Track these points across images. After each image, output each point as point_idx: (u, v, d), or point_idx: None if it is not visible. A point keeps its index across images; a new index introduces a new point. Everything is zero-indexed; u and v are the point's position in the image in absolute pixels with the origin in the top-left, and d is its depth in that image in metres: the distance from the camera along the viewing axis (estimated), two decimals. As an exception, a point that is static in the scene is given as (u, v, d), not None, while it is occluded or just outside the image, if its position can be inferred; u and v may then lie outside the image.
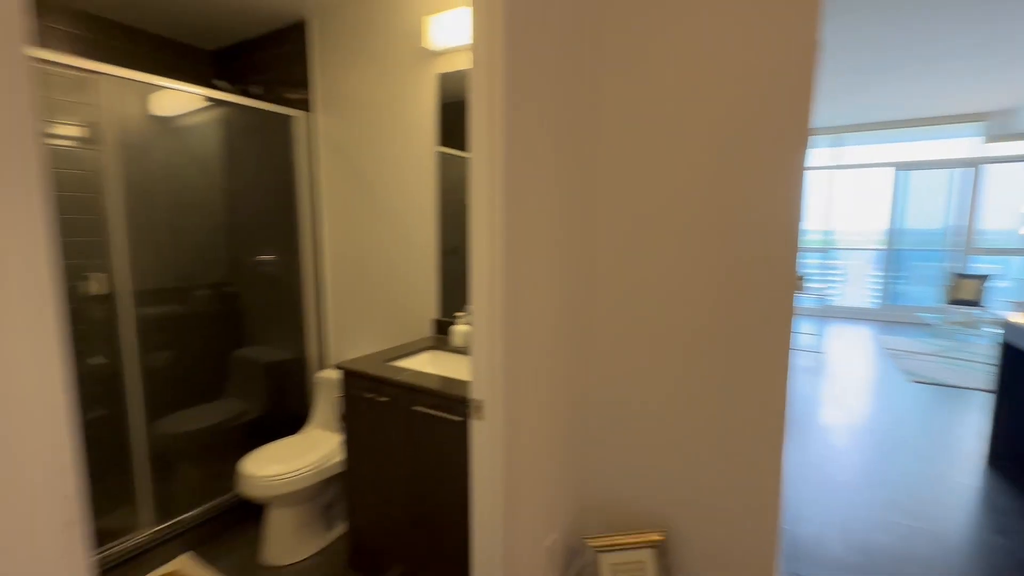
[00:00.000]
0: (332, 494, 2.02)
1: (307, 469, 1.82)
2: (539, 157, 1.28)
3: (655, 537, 1.51)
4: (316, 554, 1.90)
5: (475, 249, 1.18)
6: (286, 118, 2.27)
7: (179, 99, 2.08)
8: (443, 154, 1.92)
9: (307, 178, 2.34)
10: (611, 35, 1.46)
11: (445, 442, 1.42)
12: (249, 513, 2.09)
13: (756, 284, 1.33)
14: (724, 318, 1.38)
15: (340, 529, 2.02)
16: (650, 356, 1.51)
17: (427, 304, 2.04)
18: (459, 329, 1.83)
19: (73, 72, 1.65)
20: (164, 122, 2.05)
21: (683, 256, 1.43)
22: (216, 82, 2.35)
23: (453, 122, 1.87)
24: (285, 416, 2.39)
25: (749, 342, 1.35)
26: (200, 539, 1.98)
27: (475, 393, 1.23)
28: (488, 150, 1.13)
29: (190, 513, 2.00)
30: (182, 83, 1.92)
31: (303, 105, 2.30)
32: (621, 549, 1.51)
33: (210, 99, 2.07)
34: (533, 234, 1.28)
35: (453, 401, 1.38)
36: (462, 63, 1.80)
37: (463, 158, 1.83)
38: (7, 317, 0.47)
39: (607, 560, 1.51)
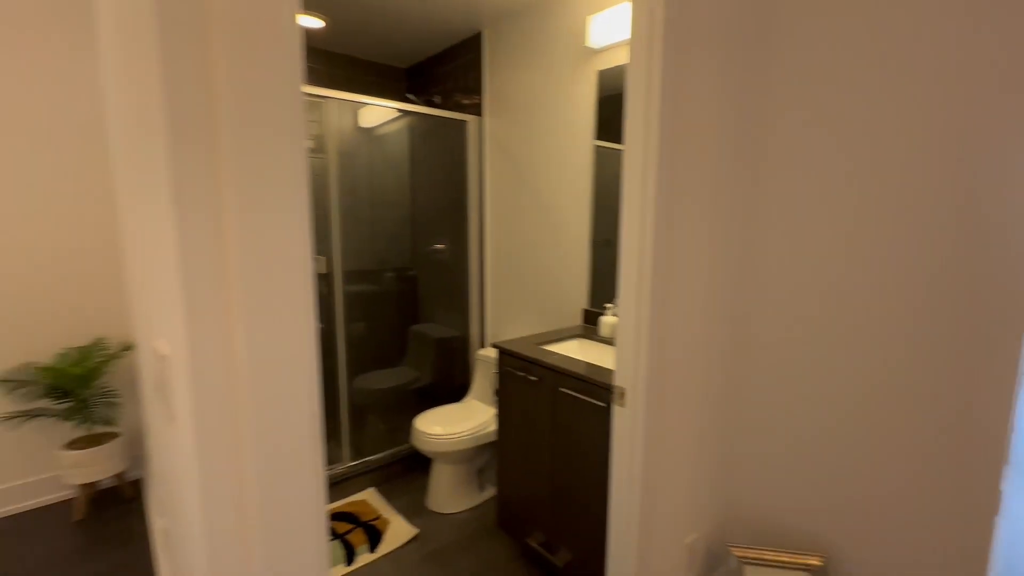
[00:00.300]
0: (485, 459, 2.27)
1: (465, 434, 2.06)
2: (696, 149, 1.25)
3: (813, 561, 1.37)
4: (470, 509, 2.15)
5: (625, 243, 1.22)
6: (461, 123, 2.55)
7: (379, 112, 2.50)
8: (599, 148, 1.97)
9: (476, 176, 2.60)
10: (786, 18, 1.34)
11: (587, 425, 1.50)
12: (421, 463, 2.46)
13: (977, 288, 1.11)
14: (930, 326, 1.19)
15: (491, 491, 2.24)
16: (823, 368, 1.37)
17: (578, 294, 2.13)
18: (607, 320, 1.88)
19: (310, 98, 2.12)
20: (367, 132, 2.49)
21: (872, 257, 1.26)
22: (408, 95, 2.75)
23: (610, 116, 1.91)
24: (450, 386, 2.73)
25: (960, 358, 1.14)
26: (382, 479, 2.39)
27: (618, 380, 1.27)
28: (642, 144, 1.15)
29: (375, 456, 2.44)
30: (382, 99, 2.31)
31: (475, 110, 2.56)
32: (771, 565, 1.41)
33: (401, 110, 2.45)
34: (686, 228, 1.26)
35: (597, 387, 1.44)
36: (621, 58, 1.82)
37: (619, 151, 1.86)
38: (293, 285, 0.69)
39: (753, 574, 1.42)
